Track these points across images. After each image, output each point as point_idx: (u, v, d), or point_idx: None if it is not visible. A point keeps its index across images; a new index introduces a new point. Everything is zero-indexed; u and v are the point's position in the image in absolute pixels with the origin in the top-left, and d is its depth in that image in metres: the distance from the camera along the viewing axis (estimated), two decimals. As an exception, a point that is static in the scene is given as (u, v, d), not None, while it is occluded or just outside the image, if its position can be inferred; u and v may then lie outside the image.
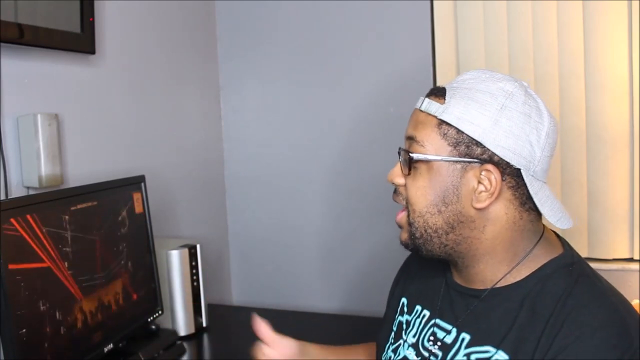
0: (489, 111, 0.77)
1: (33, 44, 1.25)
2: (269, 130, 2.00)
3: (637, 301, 1.57)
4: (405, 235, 0.85)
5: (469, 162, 0.78)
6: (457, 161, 0.78)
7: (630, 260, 1.63)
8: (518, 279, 0.80)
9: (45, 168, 1.26)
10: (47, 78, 1.34)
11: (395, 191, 0.86)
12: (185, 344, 1.46)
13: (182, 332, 1.51)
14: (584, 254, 1.66)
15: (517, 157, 0.77)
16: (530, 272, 0.80)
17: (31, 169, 1.25)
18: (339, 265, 1.94)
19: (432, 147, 0.79)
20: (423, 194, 0.81)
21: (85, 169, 1.43)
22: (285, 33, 1.94)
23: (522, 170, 0.78)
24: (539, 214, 0.82)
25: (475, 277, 0.83)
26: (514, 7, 1.67)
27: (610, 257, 1.64)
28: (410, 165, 0.81)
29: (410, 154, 0.81)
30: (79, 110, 1.43)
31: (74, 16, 1.34)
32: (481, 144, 0.77)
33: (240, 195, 2.05)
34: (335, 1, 1.85)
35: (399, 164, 0.85)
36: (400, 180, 0.84)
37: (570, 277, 0.77)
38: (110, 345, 1.23)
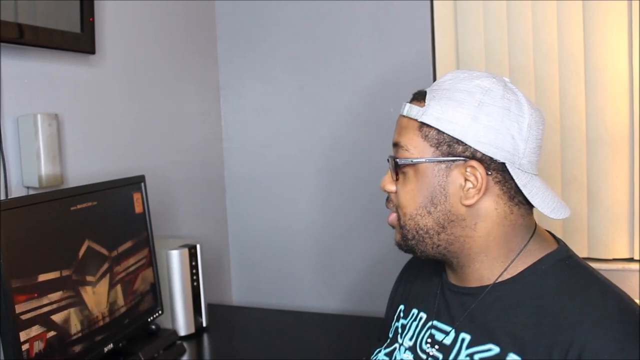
0: (467, 109, 0.78)
1: (33, 44, 1.25)
2: (269, 130, 2.00)
3: (637, 301, 1.57)
4: (398, 237, 0.87)
5: (453, 160, 0.79)
6: (440, 161, 0.79)
7: (630, 260, 1.63)
8: (513, 274, 0.80)
9: (45, 168, 1.26)
10: (47, 78, 1.34)
11: (388, 198, 0.87)
12: (185, 344, 1.46)
13: (182, 332, 1.51)
14: (584, 254, 1.66)
15: (499, 151, 0.77)
16: (526, 266, 0.80)
17: (31, 169, 1.25)
18: (339, 264, 1.94)
19: (416, 150, 0.81)
20: (412, 197, 0.82)
21: (85, 169, 1.43)
22: (285, 33, 1.94)
23: (507, 164, 0.78)
24: (530, 208, 0.82)
25: (471, 276, 0.83)
26: (514, 7, 1.67)
27: (610, 257, 1.64)
28: (397, 170, 0.83)
29: (396, 160, 0.83)
30: (79, 110, 1.43)
31: (74, 16, 1.34)
32: (462, 142, 0.78)
33: (240, 195, 2.05)
34: (335, 1, 1.85)
35: (389, 172, 0.86)
36: (392, 187, 0.85)
37: (570, 270, 0.78)
38: (110, 345, 1.23)
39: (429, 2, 1.75)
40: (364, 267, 1.89)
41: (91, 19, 1.38)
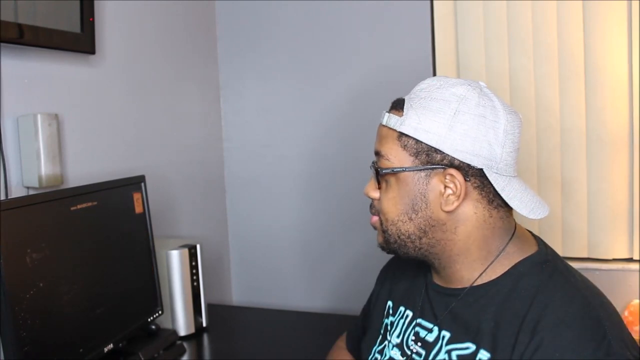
0: (443, 118, 0.80)
1: (33, 44, 1.25)
2: (269, 130, 2.00)
3: (637, 301, 1.57)
4: (380, 239, 0.90)
5: (432, 169, 0.81)
6: (419, 170, 0.82)
7: (630, 260, 1.63)
8: (493, 277, 0.82)
9: (45, 168, 1.26)
10: (47, 78, 1.34)
11: (371, 203, 0.90)
12: (185, 344, 1.46)
13: (182, 332, 1.51)
14: (584, 254, 1.66)
15: (477, 158, 0.79)
16: (505, 270, 0.82)
17: (31, 169, 1.25)
18: (341, 264, 1.94)
19: (396, 159, 0.83)
20: (394, 203, 0.85)
21: (85, 169, 1.43)
22: (285, 33, 1.94)
23: (484, 170, 0.80)
24: (509, 211, 0.84)
25: (452, 277, 0.86)
26: (514, 7, 1.67)
27: (610, 257, 1.64)
28: (379, 178, 0.86)
29: (377, 168, 0.85)
30: (79, 110, 1.43)
31: (74, 16, 1.34)
32: (440, 151, 0.80)
33: (240, 195, 2.05)
34: (335, 1, 1.85)
35: (372, 178, 0.89)
36: (375, 194, 0.88)
37: (543, 274, 0.79)
38: (110, 345, 1.23)
39: (429, 2, 1.75)
40: (367, 267, 1.89)
41: (91, 19, 1.38)
